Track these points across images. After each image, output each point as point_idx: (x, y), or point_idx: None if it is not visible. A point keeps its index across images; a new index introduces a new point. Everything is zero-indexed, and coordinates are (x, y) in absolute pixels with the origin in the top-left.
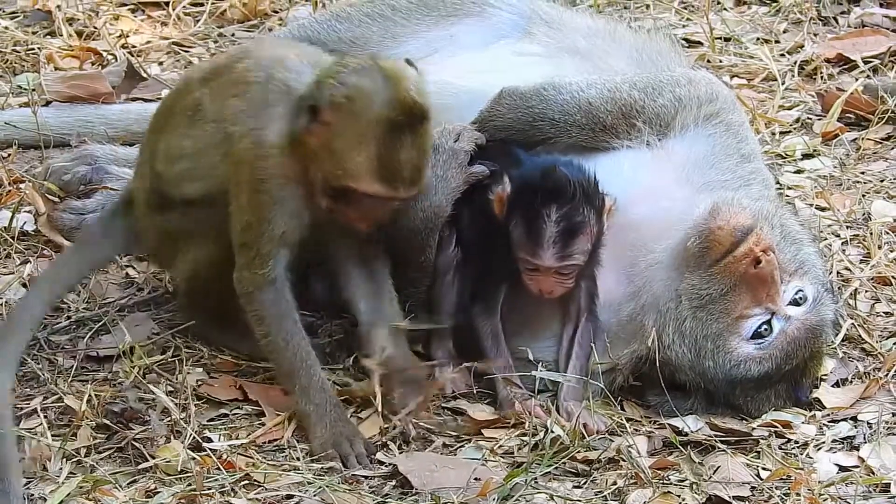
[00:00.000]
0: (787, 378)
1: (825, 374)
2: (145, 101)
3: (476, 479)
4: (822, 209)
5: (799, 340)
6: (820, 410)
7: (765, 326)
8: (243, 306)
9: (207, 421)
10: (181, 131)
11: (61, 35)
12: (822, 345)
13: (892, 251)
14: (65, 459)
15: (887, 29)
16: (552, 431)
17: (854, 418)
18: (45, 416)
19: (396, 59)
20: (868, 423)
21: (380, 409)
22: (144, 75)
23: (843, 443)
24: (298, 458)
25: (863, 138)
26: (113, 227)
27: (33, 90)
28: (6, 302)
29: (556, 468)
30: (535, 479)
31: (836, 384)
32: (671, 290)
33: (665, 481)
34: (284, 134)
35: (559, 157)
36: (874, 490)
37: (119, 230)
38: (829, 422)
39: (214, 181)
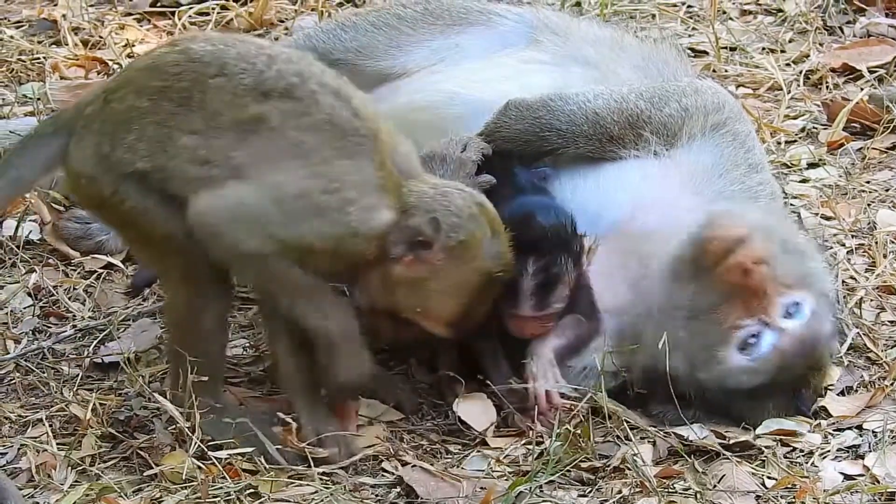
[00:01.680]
0: (784, 390)
1: (831, 384)
2: None
3: (481, 487)
4: (828, 218)
5: (792, 354)
6: (825, 419)
7: (754, 338)
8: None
9: None
10: (227, 141)
11: (67, 44)
12: (823, 356)
13: None
14: (70, 468)
15: (893, 39)
16: (555, 440)
17: (859, 427)
18: (51, 426)
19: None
20: (873, 432)
21: None
22: None
23: (848, 451)
24: (304, 467)
25: (868, 147)
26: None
27: (38, 99)
28: (11, 311)
29: (562, 476)
30: (541, 487)
31: (842, 393)
32: (668, 299)
33: (670, 490)
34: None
35: (536, 201)
36: (879, 499)
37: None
38: (834, 430)
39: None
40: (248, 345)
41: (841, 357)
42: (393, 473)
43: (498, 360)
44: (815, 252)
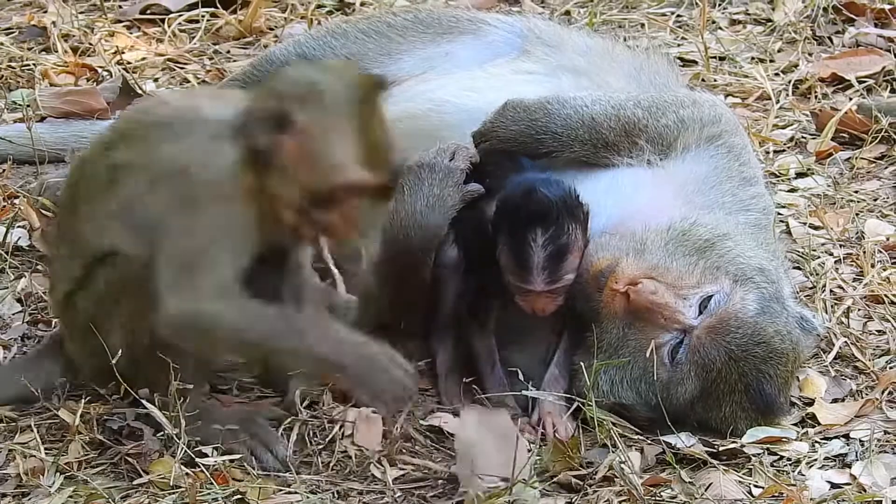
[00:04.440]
0: (733, 389)
1: (821, 395)
2: None
3: (464, 491)
4: (816, 228)
5: (707, 346)
6: (812, 427)
7: (680, 346)
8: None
9: None
10: (102, 199)
11: (56, 51)
12: (766, 342)
13: (885, 270)
14: (58, 473)
15: (881, 48)
16: (543, 447)
17: (846, 436)
18: (38, 432)
19: None
20: (860, 441)
21: None
22: (139, 92)
23: (835, 460)
24: (291, 473)
25: (857, 157)
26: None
27: (28, 106)
28: (0, 317)
29: (549, 483)
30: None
31: (834, 401)
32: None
33: (657, 498)
34: (231, 163)
35: (536, 175)
36: None
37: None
38: (821, 439)
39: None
40: None
41: (828, 366)
42: (380, 480)
43: (494, 366)
44: (740, 235)
